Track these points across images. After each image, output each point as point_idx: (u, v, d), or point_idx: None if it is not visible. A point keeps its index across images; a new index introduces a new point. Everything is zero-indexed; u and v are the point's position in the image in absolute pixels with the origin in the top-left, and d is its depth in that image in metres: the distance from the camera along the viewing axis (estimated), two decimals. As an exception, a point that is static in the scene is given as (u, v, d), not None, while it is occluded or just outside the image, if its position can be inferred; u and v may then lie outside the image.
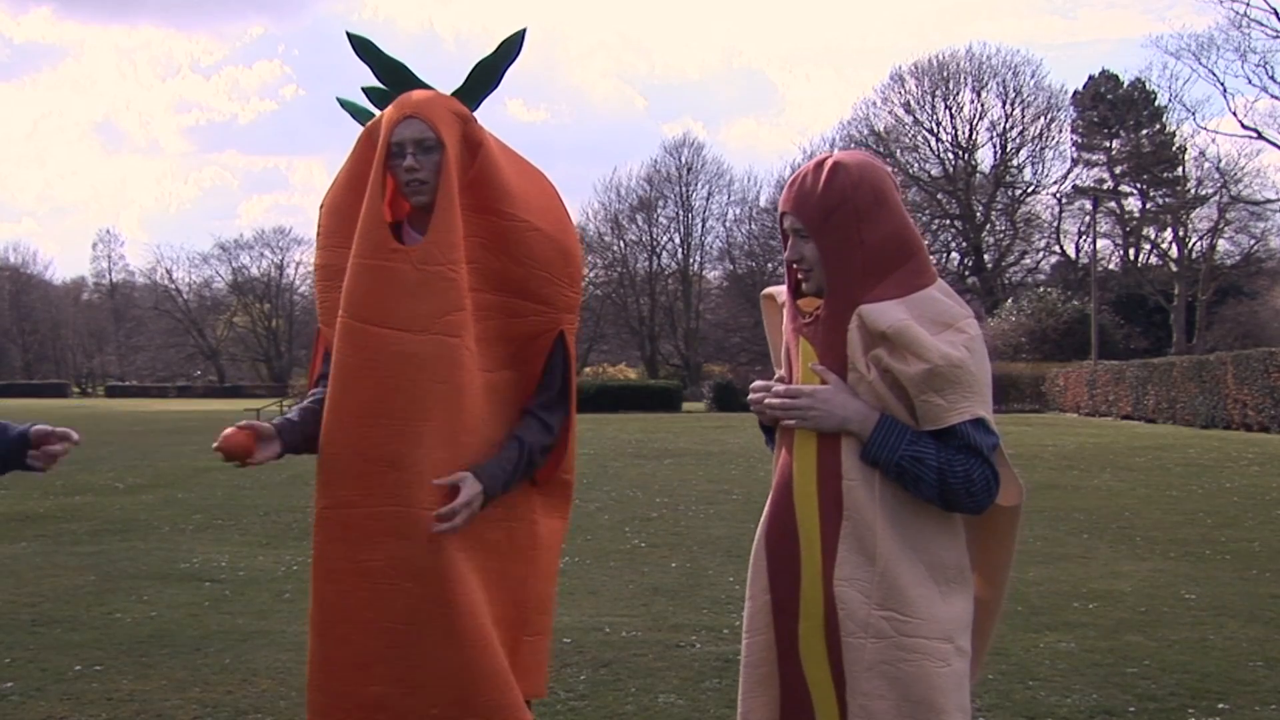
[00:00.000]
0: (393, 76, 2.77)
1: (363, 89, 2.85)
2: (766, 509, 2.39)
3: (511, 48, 2.77)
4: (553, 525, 2.78)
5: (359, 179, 2.66)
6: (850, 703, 2.21)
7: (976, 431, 2.21)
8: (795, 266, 2.34)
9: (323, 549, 2.58)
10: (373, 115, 2.84)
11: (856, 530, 2.23)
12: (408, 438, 2.52)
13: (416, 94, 2.67)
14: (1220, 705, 4.58)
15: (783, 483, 2.35)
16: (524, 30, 2.75)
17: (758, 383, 2.46)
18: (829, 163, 2.29)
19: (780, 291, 2.51)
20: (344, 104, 2.90)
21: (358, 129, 2.81)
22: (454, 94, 2.73)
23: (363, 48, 2.75)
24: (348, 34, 2.73)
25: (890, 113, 58.44)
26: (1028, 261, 61.07)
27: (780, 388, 2.35)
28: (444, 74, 2.82)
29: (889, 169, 2.38)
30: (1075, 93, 58.72)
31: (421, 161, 2.57)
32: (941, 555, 2.27)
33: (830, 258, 2.26)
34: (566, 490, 2.83)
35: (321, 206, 2.76)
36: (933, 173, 58.64)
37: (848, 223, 2.25)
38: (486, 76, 2.78)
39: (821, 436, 2.28)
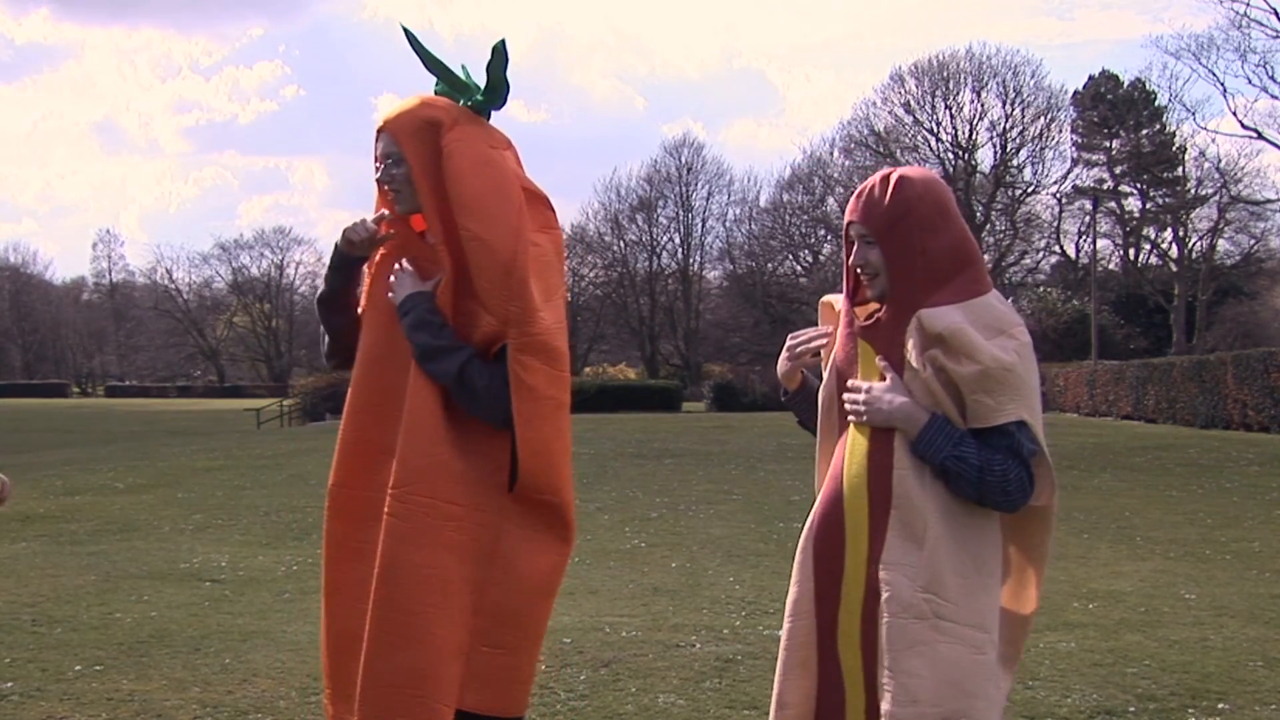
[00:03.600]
0: (434, 69, 2.80)
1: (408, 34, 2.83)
2: (817, 504, 2.52)
3: (499, 63, 2.79)
4: (530, 539, 2.63)
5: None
6: (892, 682, 2.31)
7: (1020, 433, 2.35)
8: (860, 272, 2.49)
9: (329, 525, 2.70)
10: (432, 58, 2.79)
11: (904, 518, 2.36)
12: (408, 428, 2.59)
13: (392, 106, 2.75)
14: (1220, 705, 4.58)
15: (834, 476, 2.50)
16: (506, 59, 2.76)
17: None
18: (895, 176, 2.45)
19: (839, 299, 2.63)
20: (414, 43, 2.82)
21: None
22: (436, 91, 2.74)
23: (412, 43, 2.80)
24: (403, 28, 2.78)
25: (890, 113, 58.25)
26: (1028, 261, 60.91)
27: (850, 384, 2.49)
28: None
29: (948, 186, 2.52)
30: (1075, 93, 58.61)
31: (393, 174, 2.67)
32: (984, 550, 2.40)
33: (894, 263, 2.42)
34: (553, 514, 2.65)
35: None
36: (933, 173, 58.53)
37: (911, 231, 2.39)
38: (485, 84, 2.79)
39: (873, 432, 2.43)
